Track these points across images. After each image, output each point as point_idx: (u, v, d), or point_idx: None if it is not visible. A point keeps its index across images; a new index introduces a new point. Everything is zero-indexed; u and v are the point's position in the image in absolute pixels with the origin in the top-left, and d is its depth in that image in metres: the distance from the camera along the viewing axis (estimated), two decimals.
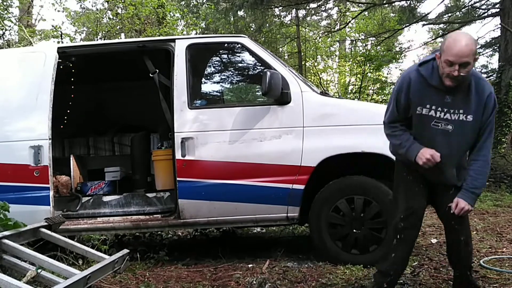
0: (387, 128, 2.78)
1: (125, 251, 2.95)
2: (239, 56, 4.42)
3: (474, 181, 2.56)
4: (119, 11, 12.19)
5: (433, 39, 18.22)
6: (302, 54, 16.84)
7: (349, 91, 17.36)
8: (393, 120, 2.72)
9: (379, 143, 3.67)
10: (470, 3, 12.61)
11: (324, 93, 4.46)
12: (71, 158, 4.73)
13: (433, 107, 2.54)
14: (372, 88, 16.57)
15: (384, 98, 15.31)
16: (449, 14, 13.52)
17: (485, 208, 6.38)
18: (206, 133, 3.80)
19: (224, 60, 4.68)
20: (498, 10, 10.99)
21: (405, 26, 13.37)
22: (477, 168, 2.56)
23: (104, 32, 11.98)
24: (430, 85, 2.54)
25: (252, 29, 16.59)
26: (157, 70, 4.25)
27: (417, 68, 2.60)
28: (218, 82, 4.77)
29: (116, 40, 7.60)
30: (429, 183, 2.74)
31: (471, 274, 2.86)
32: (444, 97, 2.52)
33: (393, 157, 3.71)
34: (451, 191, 2.65)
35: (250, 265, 3.74)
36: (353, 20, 15.84)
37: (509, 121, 10.13)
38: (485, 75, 12.90)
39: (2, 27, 9.26)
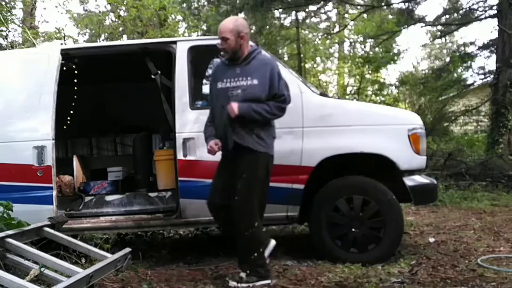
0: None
1: (127, 249, 2.95)
2: None
3: (253, 105, 3.12)
4: (122, 13, 12.22)
5: (431, 41, 18.31)
6: (301, 55, 16.91)
7: (348, 92, 17.42)
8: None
9: (377, 144, 3.74)
10: (467, 5, 12.67)
11: (323, 94, 4.50)
12: (74, 158, 4.77)
13: (227, 80, 3.21)
14: (371, 89, 16.64)
15: (383, 99, 15.37)
16: (447, 16, 13.57)
17: (482, 208, 6.43)
18: None
19: None
20: (495, 12, 11.03)
21: (403, 28, 13.41)
22: (263, 104, 3.15)
23: (106, 34, 12.00)
24: (224, 64, 3.29)
25: (252, 31, 16.63)
26: (159, 72, 4.30)
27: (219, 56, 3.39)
28: None
29: (119, 42, 7.64)
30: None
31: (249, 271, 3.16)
32: (235, 70, 3.20)
33: (392, 157, 3.80)
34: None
35: None
36: (352, 22, 15.91)
37: (506, 122, 10.17)
38: (482, 76, 12.95)
39: (5, 29, 9.30)
